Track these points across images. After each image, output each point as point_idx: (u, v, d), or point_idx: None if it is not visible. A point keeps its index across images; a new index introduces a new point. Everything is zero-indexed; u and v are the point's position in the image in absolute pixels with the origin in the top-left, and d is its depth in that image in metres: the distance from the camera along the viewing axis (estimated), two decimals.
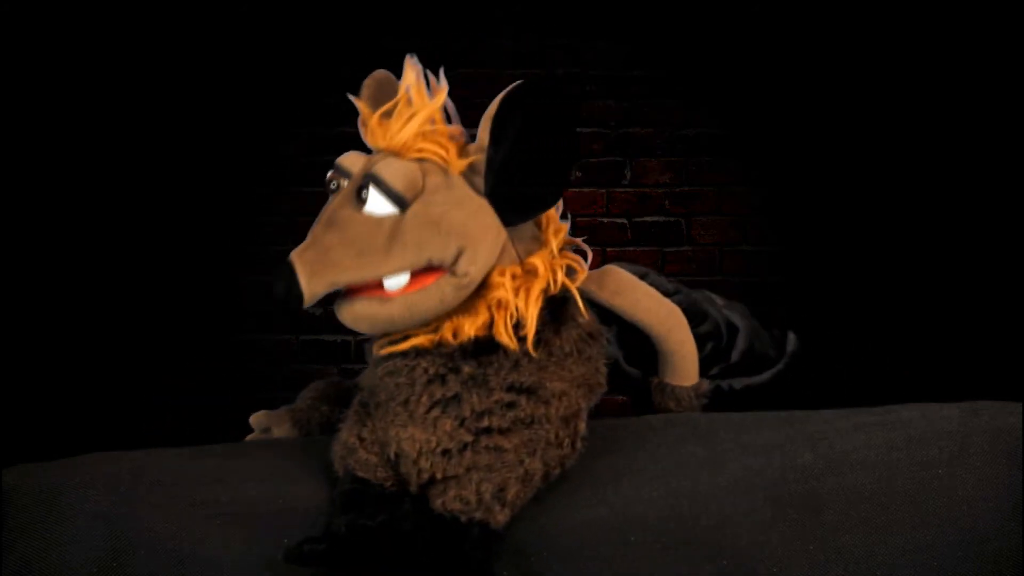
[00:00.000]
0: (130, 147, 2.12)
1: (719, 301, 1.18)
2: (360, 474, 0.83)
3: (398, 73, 0.86)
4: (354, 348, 2.22)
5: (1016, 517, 0.80)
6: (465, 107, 0.89)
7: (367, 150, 0.86)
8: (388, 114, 0.83)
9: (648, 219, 2.23)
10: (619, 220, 2.23)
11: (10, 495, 0.84)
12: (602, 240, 2.21)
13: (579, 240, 0.92)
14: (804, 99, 2.15)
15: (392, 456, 0.82)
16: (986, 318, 1.97)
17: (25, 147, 1.95)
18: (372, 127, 0.83)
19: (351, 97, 0.86)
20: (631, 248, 2.22)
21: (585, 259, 0.91)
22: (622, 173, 2.24)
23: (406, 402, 0.81)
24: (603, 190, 2.23)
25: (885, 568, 0.78)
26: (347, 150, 0.84)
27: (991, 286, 1.98)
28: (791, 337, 1.16)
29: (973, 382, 1.16)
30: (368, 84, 0.88)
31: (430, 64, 0.85)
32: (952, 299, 2.04)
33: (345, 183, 0.80)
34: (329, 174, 0.82)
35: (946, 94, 2.05)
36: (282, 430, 1.11)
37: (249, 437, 1.12)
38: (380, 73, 0.89)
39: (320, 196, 0.82)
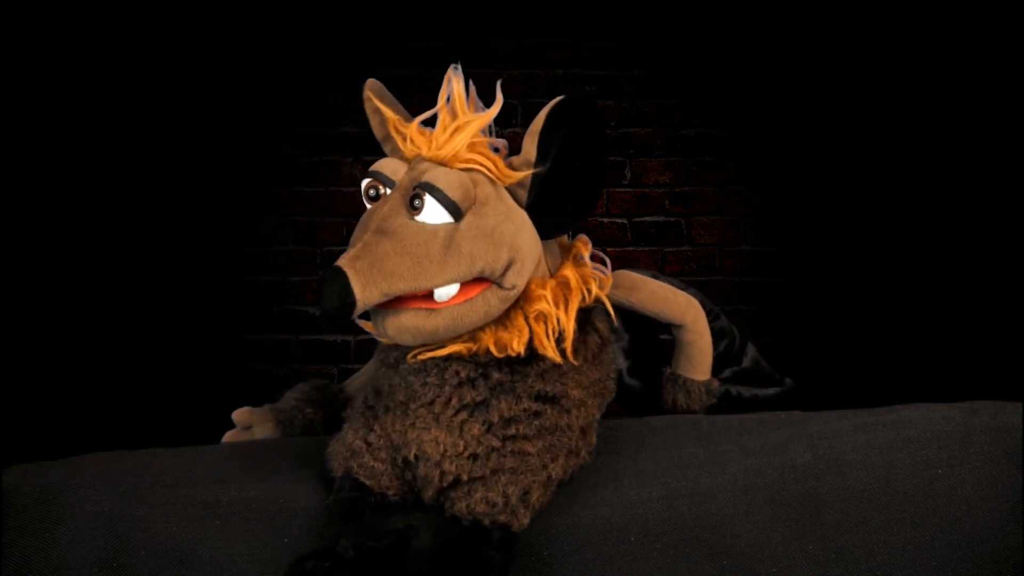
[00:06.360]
0: (129, 147, 2.12)
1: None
2: (363, 480, 0.83)
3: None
4: (354, 348, 2.22)
5: (1016, 517, 0.80)
6: None
7: (371, 152, 0.85)
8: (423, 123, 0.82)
9: (648, 219, 2.23)
10: (619, 220, 2.23)
11: (10, 495, 0.85)
12: (602, 240, 2.20)
13: (598, 251, 0.93)
14: (804, 99, 2.15)
15: (411, 458, 0.81)
16: (986, 318, 1.97)
17: (24, 146, 1.95)
18: (413, 135, 0.81)
19: (379, 104, 0.83)
20: (631, 248, 2.22)
21: (604, 265, 0.92)
22: (622, 173, 2.24)
23: (432, 403, 0.81)
24: (603, 190, 2.22)
25: (885, 568, 0.78)
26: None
27: (990, 286, 1.98)
28: (787, 381, 1.18)
29: (973, 382, 1.16)
30: (371, 96, 0.85)
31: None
32: (952, 299, 2.04)
33: (385, 191, 0.79)
34: (366, 181, 0.81)
35: (946, 94, 2.05)
36: (264, 429, 1.11)
37: (229, 433, 1.11)
38: (374, 83, 0.87)
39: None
